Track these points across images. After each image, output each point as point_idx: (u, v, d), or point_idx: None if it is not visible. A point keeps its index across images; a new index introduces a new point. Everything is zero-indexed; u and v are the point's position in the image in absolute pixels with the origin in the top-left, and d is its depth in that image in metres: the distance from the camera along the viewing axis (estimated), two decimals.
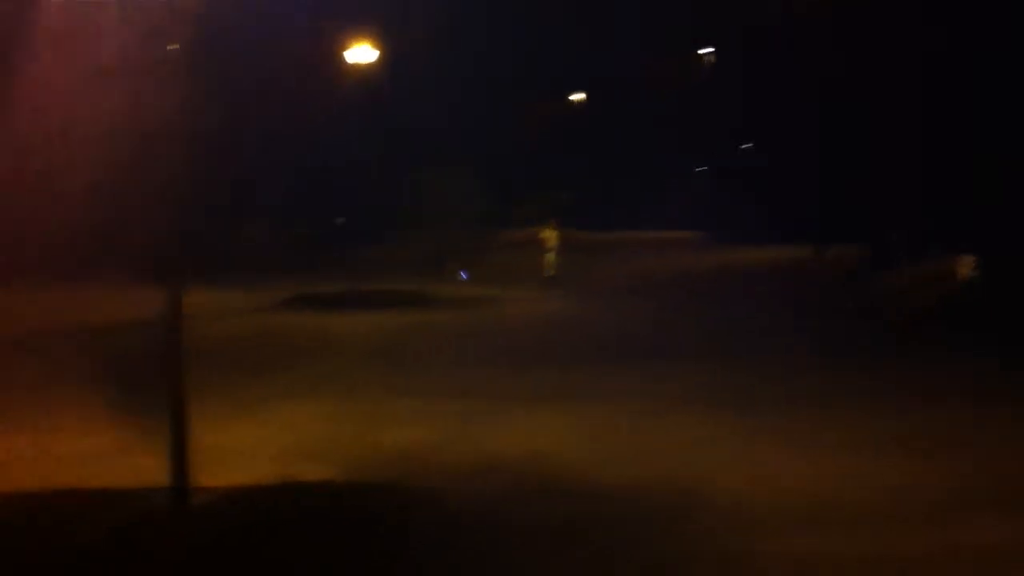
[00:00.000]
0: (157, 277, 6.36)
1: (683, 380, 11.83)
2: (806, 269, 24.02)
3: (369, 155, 27.02)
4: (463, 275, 19.76)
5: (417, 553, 6.14)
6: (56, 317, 17.01)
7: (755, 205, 30.54)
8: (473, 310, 18.99)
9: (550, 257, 22.82)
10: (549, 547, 6.37)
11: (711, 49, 37.79)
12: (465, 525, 6.79)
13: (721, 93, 34.32)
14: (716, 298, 20.46)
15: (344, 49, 18.88)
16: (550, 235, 23.06)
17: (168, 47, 5.81)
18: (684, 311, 18.58)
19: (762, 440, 9.05)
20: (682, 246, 33.33)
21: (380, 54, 18.86)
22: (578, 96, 42.22)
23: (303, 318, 17.54)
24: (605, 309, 19.09)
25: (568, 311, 18.80)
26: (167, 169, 5.96)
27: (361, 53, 18.70)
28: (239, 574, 5.58)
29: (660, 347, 14.38)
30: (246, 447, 8.67)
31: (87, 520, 6.15)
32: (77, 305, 16.96)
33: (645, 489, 7.54)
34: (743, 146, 36.28)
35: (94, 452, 8.29)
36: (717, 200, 35.92)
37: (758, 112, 29.67)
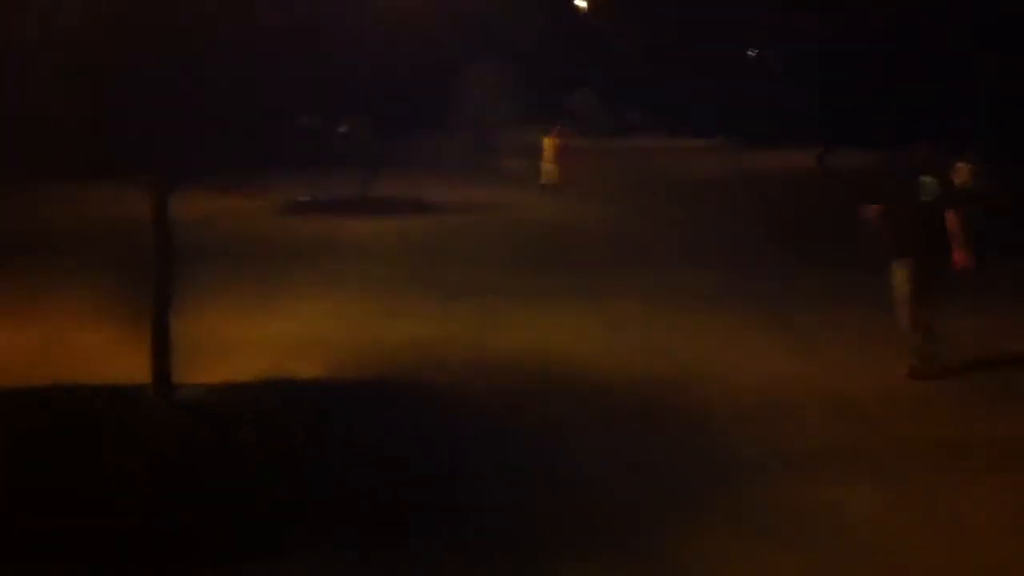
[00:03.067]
0: (144, 175, 6.30)
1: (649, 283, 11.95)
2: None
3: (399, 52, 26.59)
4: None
5: (388, 444, 6.21)
6: (62, 214, 17.21)
7: (767, 109, 30.05)
8: (475, 215, 18.98)
9: (548, 165, 22.65)
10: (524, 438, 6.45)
11: None
12: (447, 417, 6.88)
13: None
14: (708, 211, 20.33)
15: None
16: (549, 143, 22.83)
17: None
18: (674, 223, 18.41)
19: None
20: (696, 153, 32.98)
21: None
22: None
23: (316, 223, 17.60)
24: (594, 217, 18.98)
25: (558, 218, 18.69)
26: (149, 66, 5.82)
27: None
28: (211, 462, 5.67)
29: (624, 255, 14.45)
30: (249, 343, 8.77)
31: (72, 411, 6.25)
32: (82, 202, 17.09)
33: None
34: (750, 52, 35.48)
35: (95, 346, 8.40)
36: (733, 105, 35.27)
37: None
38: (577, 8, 41.72)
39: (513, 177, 25.17)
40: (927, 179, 7.88)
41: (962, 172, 15.79)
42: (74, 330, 9.12)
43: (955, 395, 7.50)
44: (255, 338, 8.96)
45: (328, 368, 7.99)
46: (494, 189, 23.19)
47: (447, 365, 8.19)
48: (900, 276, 7.82)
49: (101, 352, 8.15)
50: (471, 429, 6.69)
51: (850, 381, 7.78)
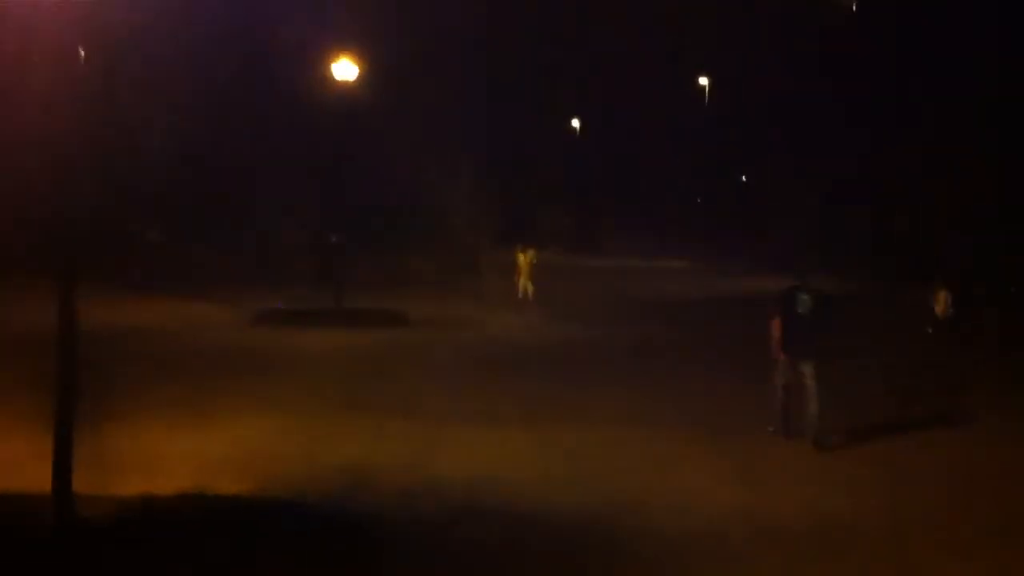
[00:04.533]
0: (55, 279, 6.28)
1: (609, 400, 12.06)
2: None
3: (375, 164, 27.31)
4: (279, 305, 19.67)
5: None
6: None
7: (749, 236, 30.59)
8: (446, 331, 18.92)
9: (524, 280, 22.81)
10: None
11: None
12: (360, 545, 6.73)
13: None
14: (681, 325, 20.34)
15: (329, 63, 18.90)
16: (524, 259, 23.05)
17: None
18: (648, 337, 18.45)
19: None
20: (673, 274, 33.18)
21: (360, 71, 18.87)
22: (576, 123, 42.39)
23: (280, 334, 17.47)
24: (568, 333, 19.00)
25: (532, 336, 18.71)
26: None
27: (343, 69, 18.71)
28: None
29: (599, 369, 14.57)
30: (181, 457, 8.67)
31: None
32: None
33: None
34: (743, 178, 36.35)
35: (11, 458, 8.25)
36: (713, 230, 35.88)
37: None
38: (570, 129, 42.78)
39: (491, 293, 25.25)
40: (803, 296, 10.00)
41: (940, 299, 16.00)
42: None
43: None
44: (188, 452, 8.92)
45: (252, 486, 7.84)
46: (471, 305, 23.22)
47: (375, 489, 8.05)
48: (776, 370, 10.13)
49: (23, 464, 7.96)
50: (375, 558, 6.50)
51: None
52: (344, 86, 18.88)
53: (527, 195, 36.75)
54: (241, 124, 26.44)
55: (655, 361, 15.74)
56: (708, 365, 14.99)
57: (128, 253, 24.48)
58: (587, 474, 8.91)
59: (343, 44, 19.04)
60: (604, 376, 14.12)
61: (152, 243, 26.31)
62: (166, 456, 8.70)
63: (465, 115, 30.88)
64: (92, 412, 8.92)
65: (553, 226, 38.11)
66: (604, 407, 11.81)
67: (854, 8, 29.53)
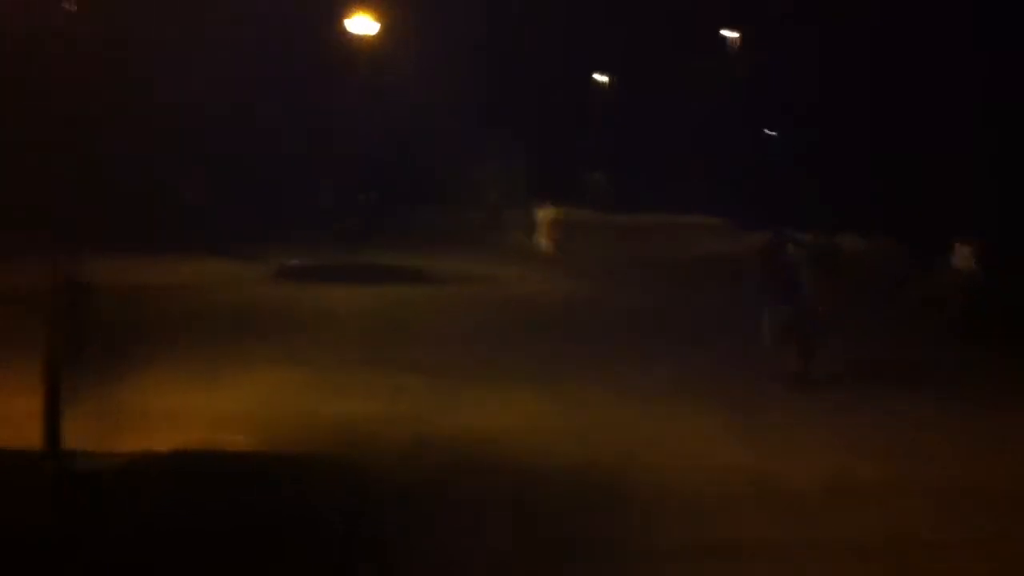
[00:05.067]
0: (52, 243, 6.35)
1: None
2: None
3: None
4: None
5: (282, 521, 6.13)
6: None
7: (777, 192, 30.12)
8: (465, 286, 18.93)
9: (543, 238, 22.70)
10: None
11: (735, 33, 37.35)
12: (345, 497, 6.78)
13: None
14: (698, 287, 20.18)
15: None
16: (545, 215, 22.93)
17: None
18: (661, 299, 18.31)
19: None
20: (703, 232, 32.85)
21: (381, 26, 18.77)
22: (602, 78, 41.83)
23: (299, 290, 17.56)
24: (592, 292, 18.89)
25: (553, 293, 18.65)
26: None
27: (362, 24, 18.62)
28: (96, 533, 5.60)
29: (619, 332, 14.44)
30: (189, 412, 8.83)
31: None
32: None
33: None
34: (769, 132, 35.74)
35: (11, 415, 8.36)
36: (743, 186, 35.37)
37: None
38: (598, 86, 42.25)
39: (516, 250, 25.21)
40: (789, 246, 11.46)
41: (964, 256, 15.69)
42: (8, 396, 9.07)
43: None
44: (196, 409, 9.05)
45: (257, 442, 7.93)
46: (495, 262, 23.18)
47: (380, 445, 8.11)
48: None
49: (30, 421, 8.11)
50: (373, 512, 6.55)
51: None
52: (364, 41, 18.80)
53: (558, 152, 36.50)
54: (273, 87, 26.43)
55: (666, 322, 15.66)
56: (716, 327, 14.86)
57: (164, 213, 24.67)
58: (591, 428, 8.94)
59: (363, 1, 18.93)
60: (612, 335, 14.09)
61: (188, 203, 26.50)
62: (174, 412, 8.82)
63: (490, 73, 30.71)
64: (104, 368, 9.11)
65: (587, 184, 37.91)
66: (611, 364, 11.84)
67: None
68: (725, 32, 37.58)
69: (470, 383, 10.61)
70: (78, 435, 6.91)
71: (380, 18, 18.76)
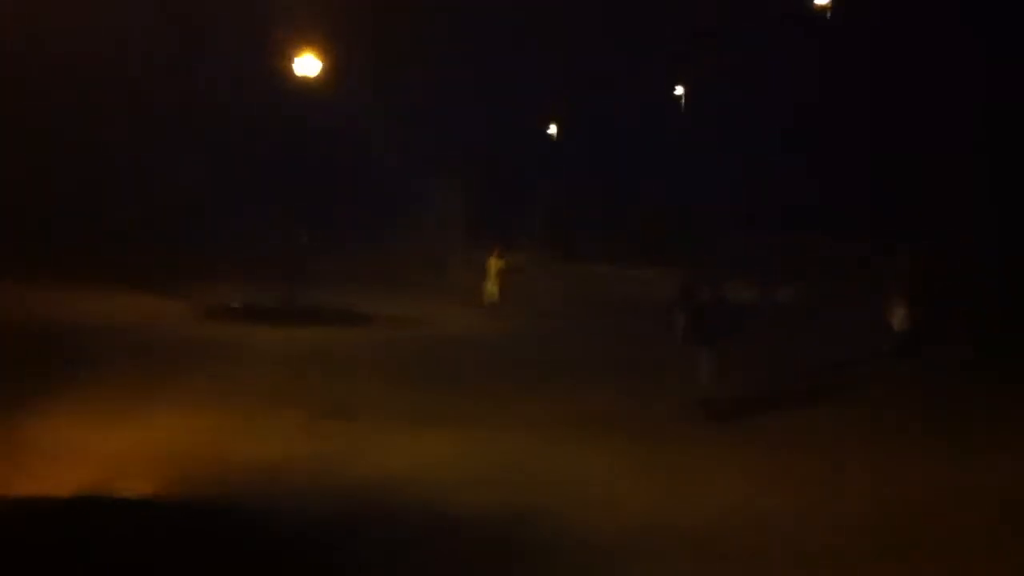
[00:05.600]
0: None
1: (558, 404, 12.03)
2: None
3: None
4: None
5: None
6: None
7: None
8: (402, 329, 18.78)
9: (492, 285, 22.66)
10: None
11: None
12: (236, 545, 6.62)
13: None
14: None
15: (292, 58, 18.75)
16: (495, 264, 22.90)
17: None
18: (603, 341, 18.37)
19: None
20: (640, 282, 33.09)
21: (328, 67, 18.74)
22: (552, 129, 42.32)
23: (229, 330, 17.28)
24: (529, 336, 18.86)
25: (492, 335, 18.62)
26: None
27: (306, 65, 18.57)
28: None
29: (556, 373, 14.47)
30: (92, 454, 8.57)
31: None
32: None
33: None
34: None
35: None
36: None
37: None
38: (548, 136, 42.67)
39: (456, 292, 25.12)
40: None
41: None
42: None
43: None
44: (102, 450, 8.84)
45: (158, 487, 7.69)
46: (434, 304, 23.09)
47: (286, 489, 7.93)
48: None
49: None
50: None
51: None
52: (305, 81, 18.75)
53: (502, 196, 36.68)
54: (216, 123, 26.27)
55: (604, 362, 15.72)
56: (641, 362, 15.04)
57: (96, 249, 24.19)
58: (511, 475, 8.87)
59: (308, 39, 18.90)
60: (553, 378, 14.06)
61: (122, 239, 26.01)
62: (76, 451, 8.58)
63: (440, 115, 30.81)
64: (6, 405, 8.82)
65: (527, 229, 37.99)
66: (549, 408, 11.82)
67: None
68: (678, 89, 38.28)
69: (389, 424, 10.51)
70: None
71: (325, 58, 18.72)
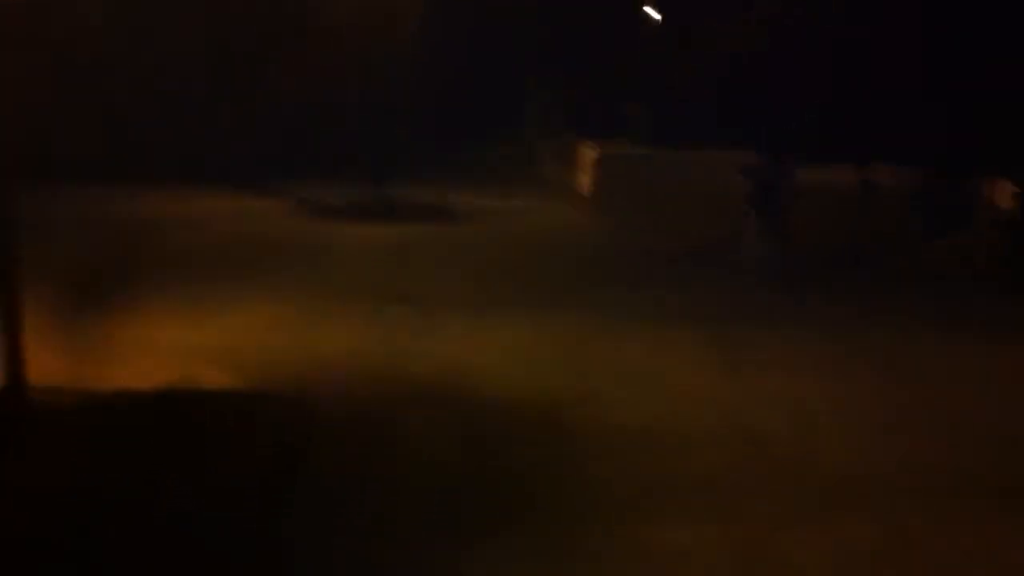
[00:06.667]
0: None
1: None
2: None
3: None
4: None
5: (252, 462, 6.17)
6: None
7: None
8: (490, 224, 18.75)
9: (582, 176, 22.35)
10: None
11: None
12: (321, 433, 6.81)
13: None
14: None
15: None
16: (585, 154, 22.54)
17: None
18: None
19: None
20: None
21: None
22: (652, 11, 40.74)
23: (314, 225, 17.55)
24: (611, 232, 18.61)
25: (578, 231, 18.40)
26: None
27: None
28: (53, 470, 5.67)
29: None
30: (170, 347, 8.86)
31: None
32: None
33: None
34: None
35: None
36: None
37: None
38: (647, 19, 41.21)
39: (555, 187, 24.94)
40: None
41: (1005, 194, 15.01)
42: None
43: None
44: (180, 343, 9.01)
45: (234, 377, 7.99)
46: (528, 199, 22.96)
47: (346, 376, 8.15)
48: None
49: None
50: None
51: None
52: None
53: (599, 86, 35.84)
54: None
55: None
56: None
57: (200, 149, 24.80)
58: (568, 359, 8.97)
59: None
60: (626, 277, 13.91)
61: (225, 140, 26.55)
62: (157, 347, 8.88)
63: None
64: (93, 302, 9.23)
65: (628, 118, 37.13)
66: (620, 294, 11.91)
67: None
68: None
69: (456, 315, 10.66)
70: (50, 369, 7.06)
71: None
